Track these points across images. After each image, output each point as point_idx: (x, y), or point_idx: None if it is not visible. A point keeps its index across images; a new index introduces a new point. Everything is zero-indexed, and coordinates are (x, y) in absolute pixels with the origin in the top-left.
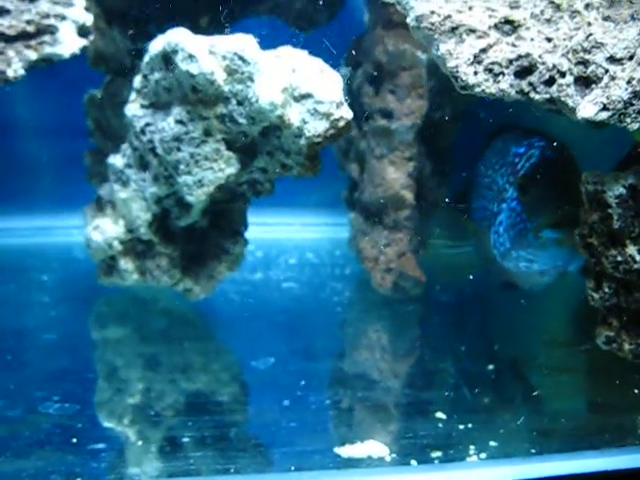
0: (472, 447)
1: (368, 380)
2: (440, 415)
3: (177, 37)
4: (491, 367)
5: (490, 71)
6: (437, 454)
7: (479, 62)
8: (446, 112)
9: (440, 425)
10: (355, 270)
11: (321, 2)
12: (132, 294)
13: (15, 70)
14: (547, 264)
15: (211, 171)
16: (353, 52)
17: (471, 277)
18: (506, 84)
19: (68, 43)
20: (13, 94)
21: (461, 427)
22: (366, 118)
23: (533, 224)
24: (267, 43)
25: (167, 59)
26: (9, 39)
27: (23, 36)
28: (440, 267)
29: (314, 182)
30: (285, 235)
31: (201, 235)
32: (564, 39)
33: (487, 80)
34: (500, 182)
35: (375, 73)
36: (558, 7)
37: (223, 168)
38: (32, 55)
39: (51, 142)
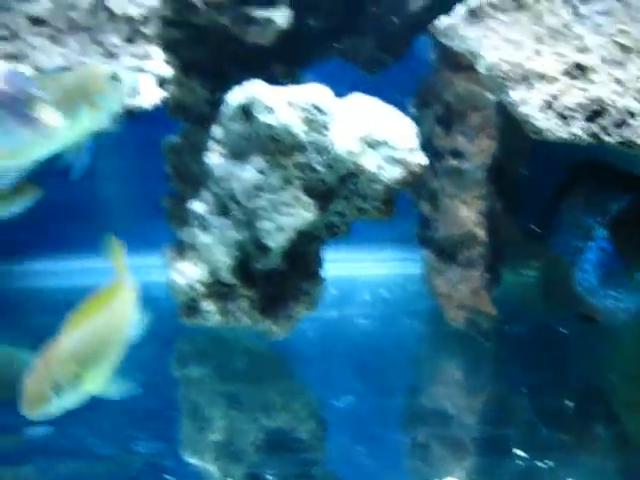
0: None
1: (444, 416)
2: (519, 452)
3: (255, 89)
4: (569, 402)
5: (561, 116)
6: None
7: (550, 107)
8: (515, 149)
9: (519, 462)
10: (428, 306)
11: (389, 44)
12: (213, 333)
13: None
14: (636, 304)
15: (290, 217)
16: (421, 93)
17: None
18: (577, 128)
19: (149, 95)
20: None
21: (541, 465)
22: (437, 158)
23: (625, 265)
24: (335, 84)
25: (245, 111)
26: None
27: None
28: (512, 299)
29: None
30: (358, 272)
31: (280, 277)
32: (633, 80)
33: (558, 125)
34: (588, 220)
35: (445, 114)
36: (626, 49)
37: (302, 214)
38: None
39: (130, 185)
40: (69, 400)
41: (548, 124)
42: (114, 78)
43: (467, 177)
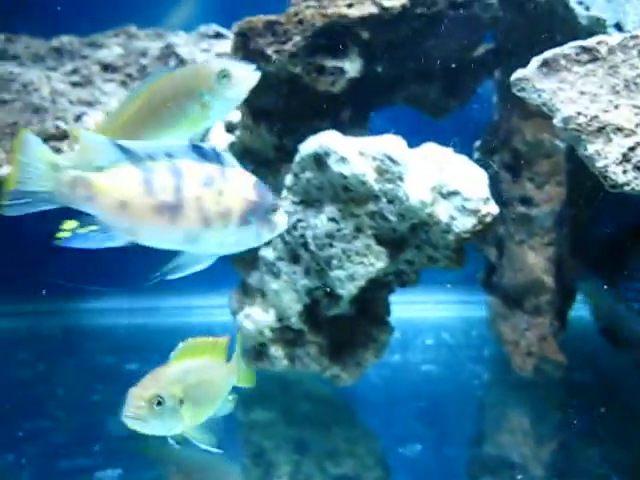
0: None
1: (513, 466)
2: None
3: (329, 140)
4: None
5: (639, 169)
6: None
7: (628, 160)
8: (584, 195)
9: None
10: (492, 351)
11: (454, 89)
12: (278, 377)
13: None
14: None
15: (362, 265)
16: (487, 139)
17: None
18: None
19: (217, 140)
20: None
21: None
22: (504, 204)
23: None
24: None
25: (319, 160)
26: None
27: None
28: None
29: None
30: (420, 314)
31: (348, 323)
32: None
33: (637, 178)
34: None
35: (513, 160)
36: None
37: (373, 262)
38: None
39: None
40: (166, 423)
41: (626, 178)
42: (224, 75)
43: (535, 224)
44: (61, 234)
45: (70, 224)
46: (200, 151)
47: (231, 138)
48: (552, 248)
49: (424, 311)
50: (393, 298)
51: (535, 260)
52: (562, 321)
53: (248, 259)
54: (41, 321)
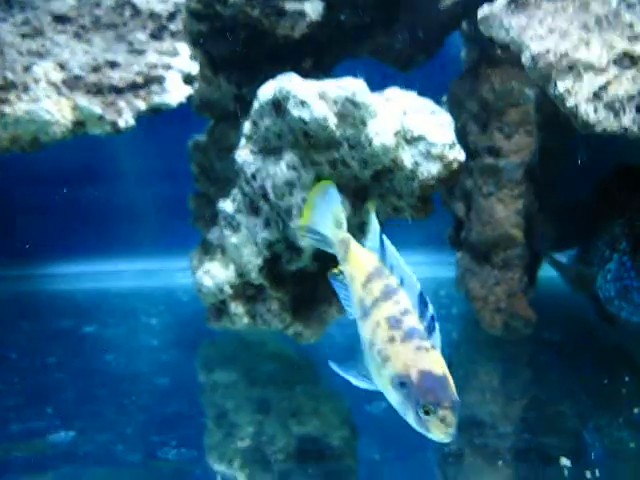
0: None
1: (484, 425)
2: (565, 462)
3: (288, 83)
4: (611, 409)
5: (611, 108)
6: None
7: (599, 99)
8: (554, 148)
9: (566, 473)
10: (462, 310)
11: (421, 42)
12: (238, 337)
13: (126, 120)
14: None
15: None
16: (454, 90)
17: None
18: (628, 120)
19: (175, 92)
20: (118, 141)
21: (589, 475)
22: (472, 156)
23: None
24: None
25: (278, 105)
26: (120, 90)
27: (133, 87)
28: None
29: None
30: None
31: (311, 278)
32: None
33: (608, 118)
34: (617, 230)
35: (481, 111)
36: None
37: None
38: (141, 105)
39: (153, 187)
40: None
41: (597, 117)
42: None
43: (504, 175)
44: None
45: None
46: (423, 304)
47: (189, 90)
48: (521, 201)
49: None
50: None
51: (504, 213)
52: (532, 277)
53: (208, 216)
54: None
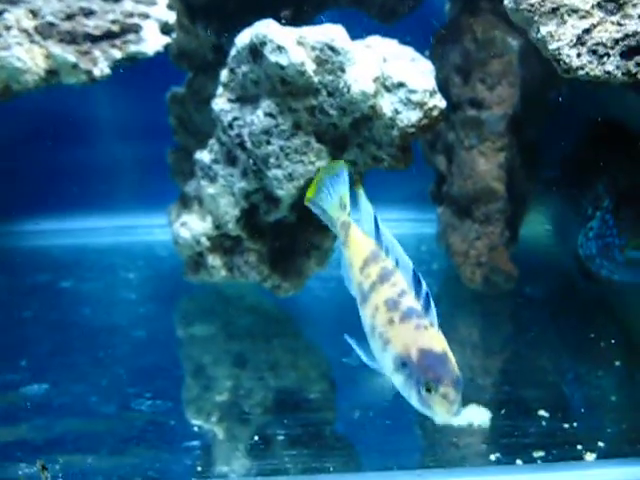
0: (579, 447)
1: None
2: (543, 413)
3: (265, 29)
4: (592, 363)
5: (594, 52)
6: (540, 454)
7: (582, 44)
8: (537, 100)
9: (544, 424)
10: (443, 266)
11: None
12: (216, 291)
13: (101, 69)
14: (627, 279)
15: (301, 164)
16: (437, 42)
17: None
18: (612, 66)
19: (152, 41)
20: (93, 93)
21: (566, 426)
22: (454, 108)
23: (621, 241)
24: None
25: (255, 51)
26: (95, 39)
27: (108, 36)
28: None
29: (396, 176)
30: None
31: (289, 230)
32: None
33: (591, 62)
34: (600, 189)
35: (463, 62)
36: None
37: (313, 161)
38: (117, 54)
39: (131, 141)
40: None
41: (580, 61)
42: None
43: (486, 128)
44: None
45: None
46: (417, 282)
47: (166, 39)
48: (504, 154)
49: None
50: None
51: (485, 166)
52: (514, 232)
53: (187, 170)
54: None
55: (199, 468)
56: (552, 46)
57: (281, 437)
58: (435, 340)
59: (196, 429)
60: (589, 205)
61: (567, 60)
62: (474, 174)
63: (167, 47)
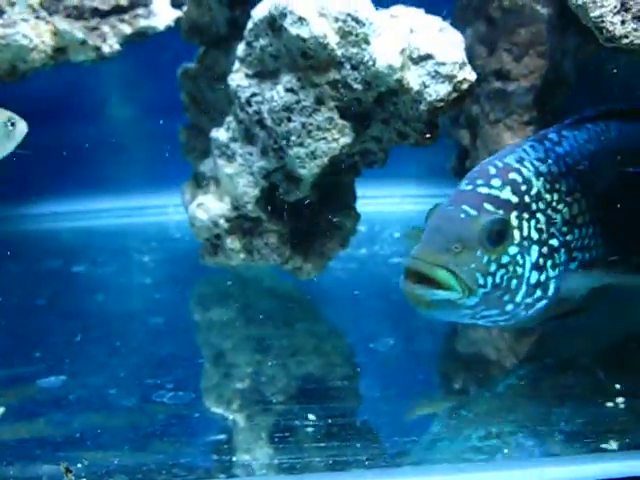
0: None
1: (484, 360)
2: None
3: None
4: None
5: None
6: None
7: (627, 10)
8: (566, 72)
9: None
10: None
11: None
12: (234, 273)
13: (110, 45)
14: None
15: (324, 141)
16: (460, 10)
17: None
18: None
19: (162, 15)
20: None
21: None
22: (478, 80)
23: None
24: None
25: (274, 24)
26: (103, 14)
27: (117, 10)
28: None
29: (415, 152)
30: (387, 208)
31: (310, 210)
32: None
33: (637, 30)
34: None
35: (488, 31)
36: None
37: (337, 138)
38: (127, 29)
39: (143, 119)
40: None
41: (625, 29)
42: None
43: (513, 100)
44: None
45: None
46: None
47: (177, 13)
48: (531, 128)
49: (391, 205)
50: (358, 192)
51: (512, 141)
52: None
53: (200, 148)
54: None
55: (227, 464)
56: (594, 13)
57: (310, 429)
58: None
59: (222, 421)
60: None
61: (610, 28)
62: (500, 148)
63: (178, 21)
